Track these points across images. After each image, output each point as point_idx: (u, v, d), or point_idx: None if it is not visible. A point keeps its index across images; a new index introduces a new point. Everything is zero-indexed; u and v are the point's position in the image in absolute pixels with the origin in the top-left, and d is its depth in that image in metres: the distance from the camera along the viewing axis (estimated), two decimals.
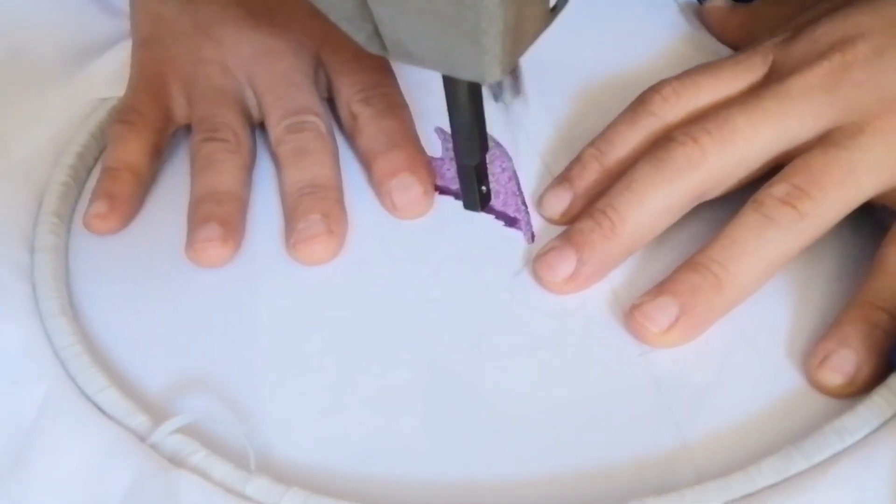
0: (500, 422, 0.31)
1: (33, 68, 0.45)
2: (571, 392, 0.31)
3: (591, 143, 0.36)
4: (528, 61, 0.31)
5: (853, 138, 0.31)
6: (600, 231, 0.33)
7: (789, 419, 0.30)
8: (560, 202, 0.36)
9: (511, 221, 0.37)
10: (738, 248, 0.31)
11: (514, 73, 0.31)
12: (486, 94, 0.32)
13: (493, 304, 0.34)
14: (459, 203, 0.36)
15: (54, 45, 0.45)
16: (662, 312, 0.31)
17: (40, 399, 0.31)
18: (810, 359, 0.31)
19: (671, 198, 0.33)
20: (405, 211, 0.37)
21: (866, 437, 0.28)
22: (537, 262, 0.34)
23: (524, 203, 0.37)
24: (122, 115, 0.40)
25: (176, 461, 0.29)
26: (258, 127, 0.41)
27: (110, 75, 0.44)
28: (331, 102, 0.41)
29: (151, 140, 0.40)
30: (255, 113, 0.41)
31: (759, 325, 0.32)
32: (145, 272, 0.37)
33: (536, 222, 0.37)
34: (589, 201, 0.35)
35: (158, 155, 0.41)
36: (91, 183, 0.41)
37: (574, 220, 0.35)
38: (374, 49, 0.30)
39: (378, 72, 0.40)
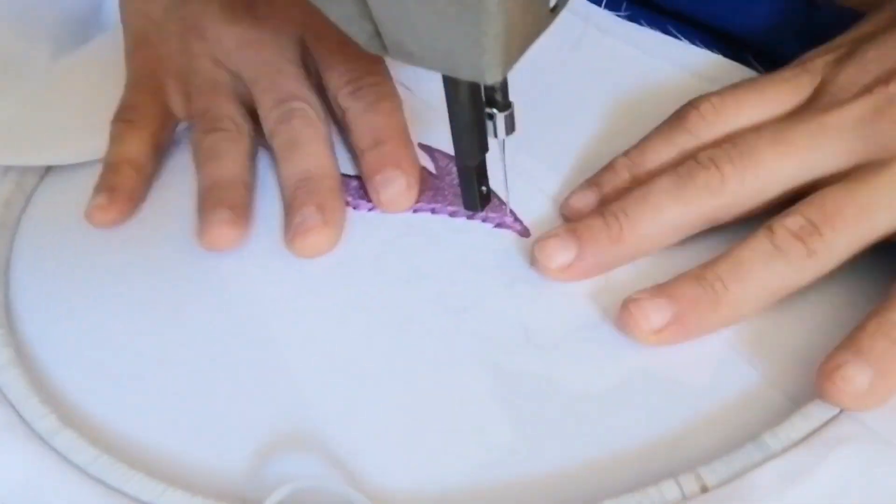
0: (586, 406, 0.31)
1: None
2: (638, 362, 0.32)
3: (625, 154, 0.36)
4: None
5: (876, 175, 0.31)
6: (607, 232, 0.33)
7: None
8: (584, 203, 0.36)
9: (500, 222, 0.37)
10: (743, 271, 0.31)
11: (509, 109, 0.32)
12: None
13: (524, 299, 0.34)
14: (441, 217, 0.37)
15: None
16: (658, 312, 0.31)
17: None
18: (823, 366, 0.29)
19: (684, 217, 0.33)
20: (390, 205, 0.37)
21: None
22: (537, 245, 0.34)
23: (503, 201, 0.37)
24: (122, 115, 0.41)
25: None
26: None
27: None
28: (321, 89, 0.41)
29: (151, 136, 0.41)
30: (249, 100, 0.41)
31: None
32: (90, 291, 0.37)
33: (529, 218, 0.37)
34: None
35: (159, 151, 0.41)
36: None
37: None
38: (374, 49, 0.30)
39: (364, 59, 0.39)
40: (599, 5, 0.44)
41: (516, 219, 0.37)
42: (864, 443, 0.28)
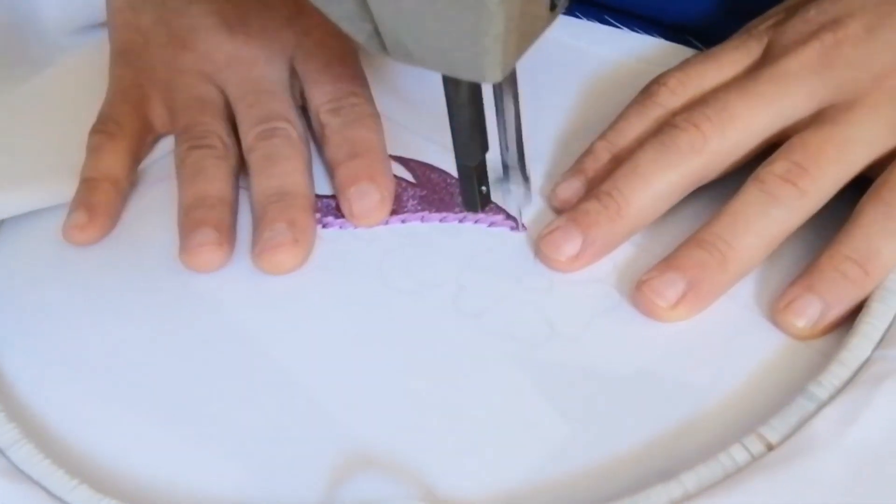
0: (631, 385, 0.31)
1: None
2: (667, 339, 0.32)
3: (602, 136, 0.37)
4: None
5: (845, 115, 0.33)
6: (606, 213, 0.34)
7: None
8: (573, 191, 0.36)
9: (492, 222, 0.37)
10: (741, 225, 0.32)
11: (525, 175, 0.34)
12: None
13: (538, 292, 0.34)
14: (431, 225, 0.37)
15: None
16: (670, 287, 0.32)
17: None
18: (777, 302, 0.32)
19: (674, 181, 0.34)
20: (362, 218, 0.37)
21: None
22: (542, 241, 0.35)
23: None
24: (101, 126, 0.40)
25: None
26: None
27: None
28: (305, 110, 0.41)
29: (130, 150, 0.40)
30: (234, 117, 0.40)
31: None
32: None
33: (528, 213, 0.37)
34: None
35: (136, 164, 0.40)
36: None
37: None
38: (374, 49, 0.30)
39: (349, 81, 0.40)
40: None
41: (508, 216, 0.37)
42: None
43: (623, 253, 0.35)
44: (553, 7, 0.29)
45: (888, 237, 0.31)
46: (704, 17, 0.44)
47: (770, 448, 0.28)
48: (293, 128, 0.39)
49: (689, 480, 0.28)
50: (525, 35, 0.29)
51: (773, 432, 0.29)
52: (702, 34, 0.42)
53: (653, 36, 0.43)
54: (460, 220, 0.37)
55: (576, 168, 0.37)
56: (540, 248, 0.35)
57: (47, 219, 0.39)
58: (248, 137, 0.39)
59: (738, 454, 0.28)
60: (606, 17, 0.44)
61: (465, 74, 0.29)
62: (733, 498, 0.27)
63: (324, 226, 0.38)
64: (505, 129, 0.34)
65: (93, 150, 0.39)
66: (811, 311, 0.31)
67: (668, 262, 0.33)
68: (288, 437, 0.31)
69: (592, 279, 0.35)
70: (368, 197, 0.37)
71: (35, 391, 0.34)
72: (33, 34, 0.46)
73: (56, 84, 0.45)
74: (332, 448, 0.31)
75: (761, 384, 0.31)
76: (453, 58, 0.28)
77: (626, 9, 0.44)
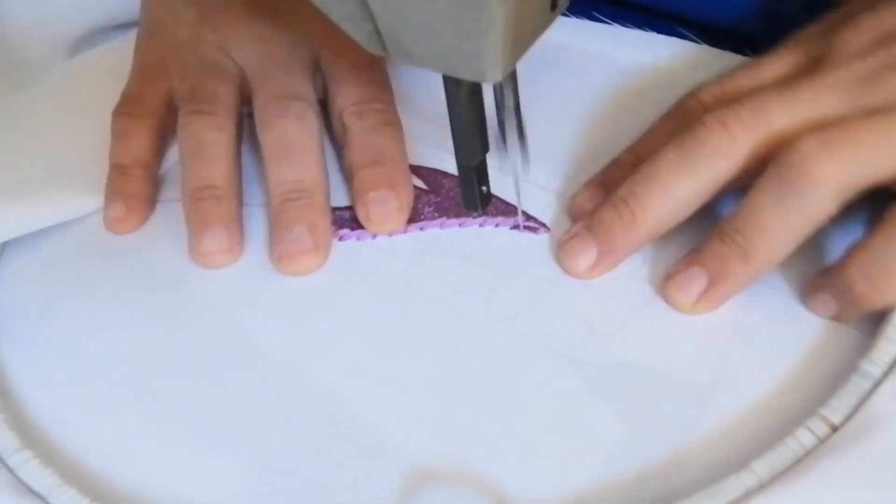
0: (680, 380, 0.31)
1: None
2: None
3: (630, 149, 0.36)
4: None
5: (887, 118, 0.31)
6: (620, 221, 0.33)
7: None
8: (593, 203, 0.36)
9: (514, 225, 0.37)
10: (758, 218, 0.31)
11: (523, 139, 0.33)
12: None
13: (572, 293, 0.34)
14: (451, 231, 0.37)
15: None
16: (693, 283, 0.32)
17: None
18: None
19: (696, 187, 0.32)
20: (379, 225, 0.37)
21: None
22: (560, 250, 0.35)
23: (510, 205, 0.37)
24: (123, 107, 0.40)
25: None
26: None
27: None
28: (324, 108, 0.40)
29: (154, 128, 0.40)
30: (246, 91, 0.40)
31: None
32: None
33: (548, 213, 0.37)
34: None
35: (164, 144, 0.40)
36: None
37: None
38: (374, 49, 0.30)
39: (375, 86, 0.39)
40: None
41: (529, 217, 0.37)
42: None
43: (653, 245, 0.35)
44: (554, 7, 0.29)
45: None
46: (741, 22, 0.42)
47: (834, 429, 0.29)
48: (309, 107, 0.38)
49: (760, 468, 0.28)
50: (525, 35, 0.29)
51: (834, 413, 0.29)
52: (736, 40, 0.41)
53: (683, 37, 0.42)
54: (480, 225, 0.37)
55: (599, 179, 0.36)
56: (559, 257, 0.35)
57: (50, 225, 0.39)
58: (264, 113, 0.38)
59: (805, 437, 0.29)
60: (626, 22, 0.43)
61: (466, 74, 0.29)
62: (807, 481, 0.27)
63: (340, 238, 0.37)
64: (505, 128, 0.33)
65: (118, 134, 0.39)
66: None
67: (691, 257, 0.33)
68: (344, 457, 0.31)
69: (625, 274, 0.35)
70: (386, 204, 0.37)
71: (38, 397, 0.33)
72: (21, 50, 0.46)
73: (50, 97, 0.45)
74: (394, 465, 0.30)
75: (810, 367, 0.31)
76: (453, 58, 0.28)
77: (658, 9, 0.43)
